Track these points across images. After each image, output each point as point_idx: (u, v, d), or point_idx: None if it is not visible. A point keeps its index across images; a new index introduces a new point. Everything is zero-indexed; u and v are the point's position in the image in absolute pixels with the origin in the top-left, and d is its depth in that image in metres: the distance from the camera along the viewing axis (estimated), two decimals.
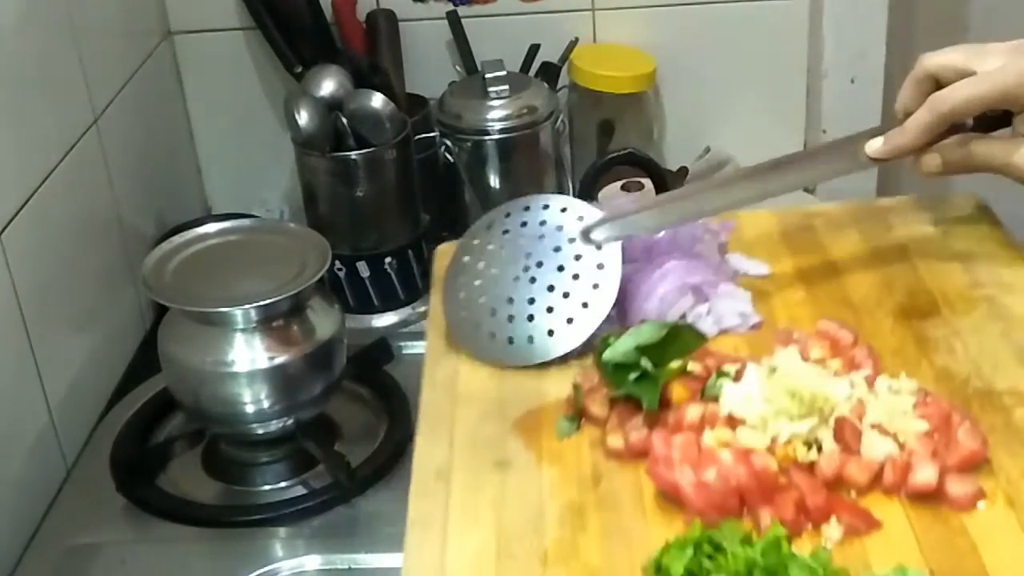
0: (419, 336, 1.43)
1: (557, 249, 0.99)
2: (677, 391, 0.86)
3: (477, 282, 1.00)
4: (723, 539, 0.73)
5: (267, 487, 1.19)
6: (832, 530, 0.77)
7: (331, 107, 1.40)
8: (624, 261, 0.98)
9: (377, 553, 1.08)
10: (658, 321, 0.91)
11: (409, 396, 1.27)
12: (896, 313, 0.98)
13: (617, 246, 0.98)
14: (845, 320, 0.95)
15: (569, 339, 0.95)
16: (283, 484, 1.19)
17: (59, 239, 1.25)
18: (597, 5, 1.61)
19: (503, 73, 1.48)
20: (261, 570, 1.07)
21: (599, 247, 0.98)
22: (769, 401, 0.82)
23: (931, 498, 0.79)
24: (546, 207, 1.02)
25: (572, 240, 0.99)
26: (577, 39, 1.61)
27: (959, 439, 0.80)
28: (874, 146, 0.97)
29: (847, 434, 0.81)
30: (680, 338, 0.88)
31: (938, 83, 0.95)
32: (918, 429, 0.81)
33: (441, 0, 1.61)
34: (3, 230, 1.14)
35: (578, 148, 1.64)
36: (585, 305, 0.96)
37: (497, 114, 1.46)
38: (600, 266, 0.97)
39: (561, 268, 0.98)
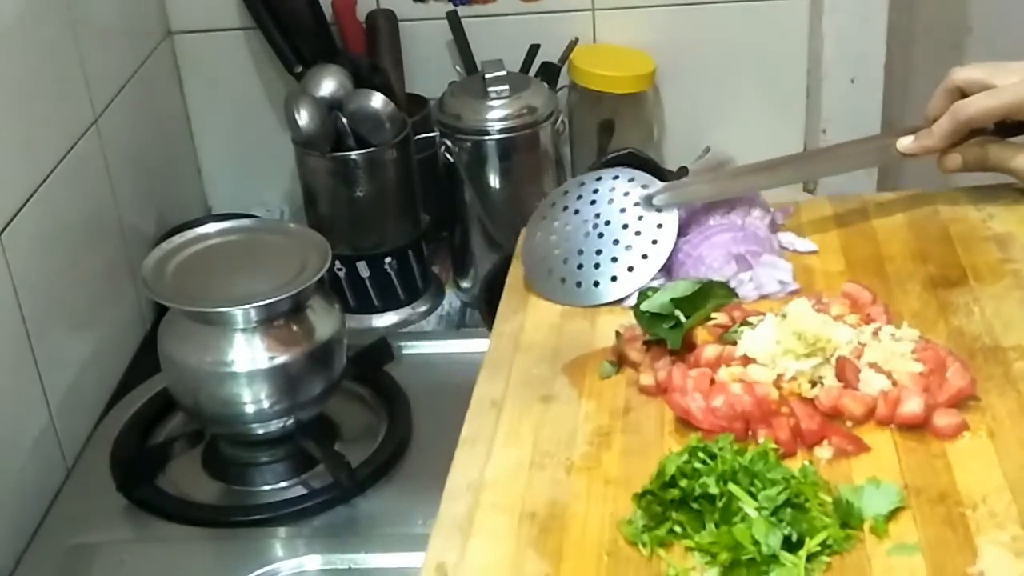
0: (419, 336, 1.44)
1: (623, 210, 1.13)
2: (701, 335, 0.97)
3: (552, 237, 1.14)
4: (717, 448, 0.82)
5: (267, 487, 1.19)
6: (823, 452, 0.85)
7: (331, 107, 1.40)
8: (680, 233, 1.11)
9: (377, 553, 1.08)
10: (694, 278, 1.02)
11: (409, 396, 1.27)
12: (925, 282, 1.05)
13: (675, 210, 1.12)
14: (875, 287, 1.02)
15: (629, 285, 1.09)
16: (283, 484, 1.19)
17: (59, 239, 1.25)
18: (597, 5, 1.61)
19: (503, 73, 1.47)
20: (261, 570, 1.07)
21: (659, 210, 1.12)
22: (778, 342, 0.91)
23: (920, 429, 0.86)
24: (616, 177, 1.16)
25: (637, 204, 1.13)
26: (577, 39, 1.61)
27: (948, 378, 0.88)
28: (904, 143, 1.11)
29: (847, 372, 0.89)
30: (711, 293, 0.99)
31: (963, 94, 1.09)
32: (912, 370, 0.89)
33: (441, 0, 1.61)
34: (3, 230, 1.14)
35: (578, 148, 1.64)
36: (644, 257, 1.10)
37: (497, 114, 1.46)
38: (659, 225, 1.12)
39: (625, 226, 1.12)
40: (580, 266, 1.11)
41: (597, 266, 1.10)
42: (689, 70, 1.64)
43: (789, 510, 0.77)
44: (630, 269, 1.09)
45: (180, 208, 1.61)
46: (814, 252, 1.12)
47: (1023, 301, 1.00)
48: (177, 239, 1.20)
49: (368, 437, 1.24)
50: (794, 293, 1.05)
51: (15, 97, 1.18)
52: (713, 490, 0.78)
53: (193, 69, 1.66)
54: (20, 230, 1.16)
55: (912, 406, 0.86)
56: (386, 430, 1.24)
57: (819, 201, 1.22)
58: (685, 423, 0.89)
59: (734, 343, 0.94)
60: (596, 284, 1.10)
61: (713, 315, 0.98)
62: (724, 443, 0.82)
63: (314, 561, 1.08)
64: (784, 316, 0.94)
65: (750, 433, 0.87)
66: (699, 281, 1.00)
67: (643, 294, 1.00)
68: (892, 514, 0.78)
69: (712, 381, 0.91)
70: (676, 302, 0.97)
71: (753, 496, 0.78)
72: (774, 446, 0.83)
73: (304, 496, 1.16)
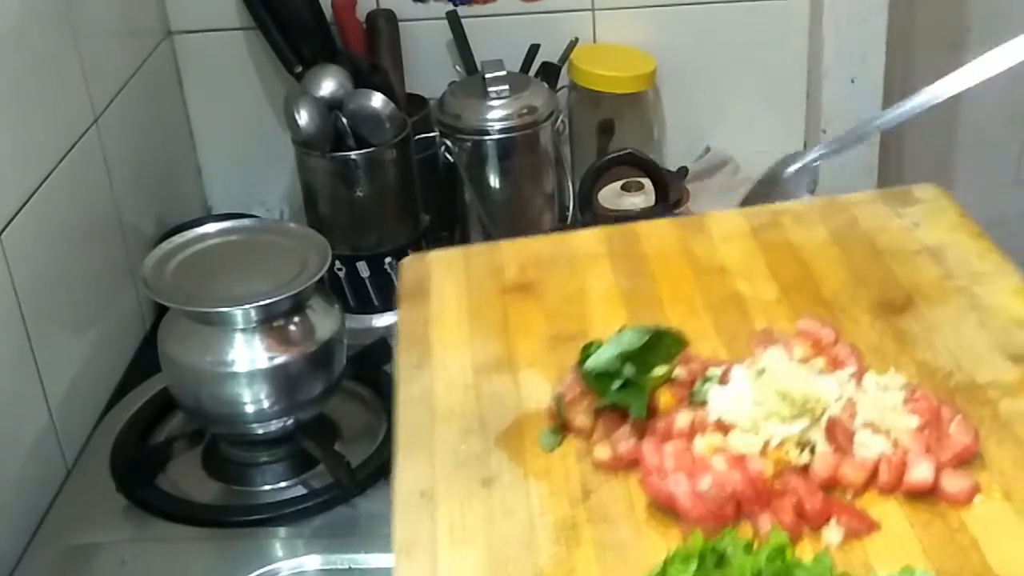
0: None
1: None
2: (664, 398, 0.84)
3: None
4: (726, 549, 0.71)
5: (267, 487, 1.19)
6: (832, 533, 0.75)
7: (331, 107, 1.40)
8: None
9: (377, 553, 1.08)
10: (640, 327, 0.87)
11: None
12: (871, 309, 0.96)
13: None
14: (821, 318, 0.93)
15: None
16: (283, 484, 1.19)
17: (59, 239, 1.25)
18: (597, 5, 1.61)
19: (503, 73, 1.48)
20: (261, 570, 1.07)
21: None
22: (760, 404, 0.80)
23: (927, 495, 0.77)
24: None
25: None
26: (577, 39, 1.61)
27: (951, 434, 0.79)
28: None
29: (839, 435, 0.79)
30: (662, 344, 0.85)
31: None
32: (909, 425, 0.80)
33: (441, 0, 1.61)
34: (3, 230, 1.14)
35: (578, 148, 1.64)
36: None
37: (497, 114, 1.46)
38: None
39: None
40: None
41: None
42: (689, 70, 1.64)
43: None
44: None
45: (180, 208, 1.61)
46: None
47: (981, 324, 0.93)
48: (177, 239, 1.20)
49: (368, 437, 1.24)
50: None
51: (15, 97, 1.18)
52: None
53: (193, 69, 1.66)
54: (20, 230, 1.16)
55: (922, 472, 0.76)
56: (386, 430, 1.24)
57: (730, 214, 1.10)
58: (663, 506, 0.77)
59: (703, 404, 0.82)
60: None
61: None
62: (731, 541, 0.71)
63: (314, 561, 1.08)
64: (761, 372, 0.82)
65: (742, 515, 0.75)
66: (647, 330, 0.85)
67: (586, 348, 0.85)
68: None
69: (691, 455, 0.78)
70: (624, 357, 0.83)
71: None
72: (785, 537, 0.72)
73: (304, 496, 1.16)
